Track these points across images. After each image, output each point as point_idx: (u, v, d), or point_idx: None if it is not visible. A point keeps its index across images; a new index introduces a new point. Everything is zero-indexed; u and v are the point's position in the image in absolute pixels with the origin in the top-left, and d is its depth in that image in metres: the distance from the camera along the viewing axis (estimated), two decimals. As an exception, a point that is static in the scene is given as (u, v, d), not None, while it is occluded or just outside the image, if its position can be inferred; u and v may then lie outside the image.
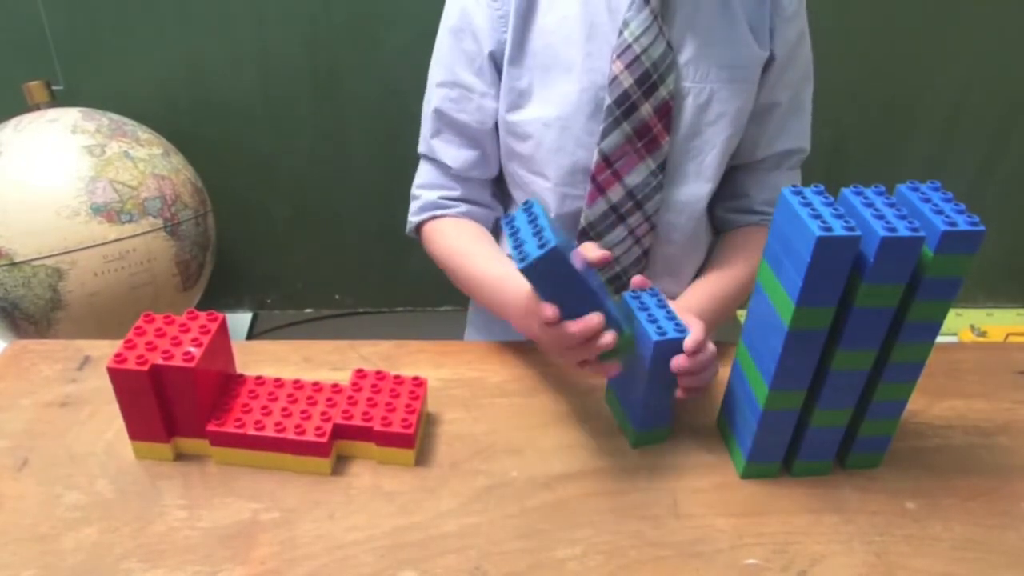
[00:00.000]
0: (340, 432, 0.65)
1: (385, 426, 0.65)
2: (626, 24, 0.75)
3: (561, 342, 0.61)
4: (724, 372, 0.72)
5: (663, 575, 0.58)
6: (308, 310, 1.95)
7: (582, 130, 0.79)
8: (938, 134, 1.80)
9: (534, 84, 0.79)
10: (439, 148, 0.85)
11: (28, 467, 0.65)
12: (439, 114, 0.84)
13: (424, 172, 0.89)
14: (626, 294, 0.68)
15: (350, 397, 0.67)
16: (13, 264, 1.29)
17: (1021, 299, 2.09)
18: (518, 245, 0.57)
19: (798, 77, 0.84)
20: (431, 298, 1.91)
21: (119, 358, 0.61)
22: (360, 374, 0.70)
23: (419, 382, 0.69)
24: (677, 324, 0.65)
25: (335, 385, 0.69)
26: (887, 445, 0.68)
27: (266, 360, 0.78)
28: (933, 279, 0.57)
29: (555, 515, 0.62)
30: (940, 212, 0.56)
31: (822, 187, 0.58)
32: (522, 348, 0.81)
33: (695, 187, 0.83)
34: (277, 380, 0.69)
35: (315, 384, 0.69)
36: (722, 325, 0.85)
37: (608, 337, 0.59)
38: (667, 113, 0.77)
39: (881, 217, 0.55)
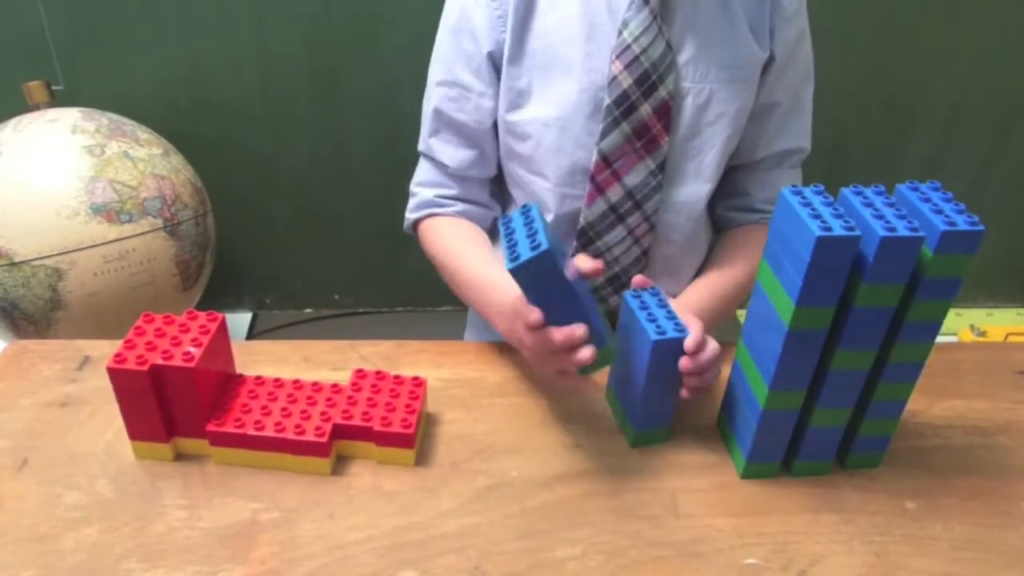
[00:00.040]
0: (340, 432, 0.65)
1: (385, 426, 0.65)
2: (625, 24, 0.75)
3: (543, 347, 0.62)
4: (724, 372, 0.72)
5: (663, 575, 0.58)
6: (308, 310, 1.95)
7: (581, 130, 0.79)
8: (938, 134, 1.80)
9: (533, 84, 0.79)
10: (437, 147, 0.85)
11: (28, 467, 0.65)
12: (438, 113, 0.84)
13: (422, 170, 0.89)
14: (627, 293, 0.68)
15: (350, 397, 0.67)
16: (13, 264, 1.29)
17: (1021, 299, 2.09)
18: (511, 245, 0.58)
19: (798, 77, 0.84)
20: (431, 298, 1.91)
21: (119, 358, 0.61)
22: (360, 374, 0.70)
23: (419, 382, 0.69)
24: (677, 324, 0.65)
25: (335, 385, 0.69)
26: (887, 445, 0.68)
27: (266, 360, 0.78)
28: (933, 279, 0.57)
29: (555, 515, 0.62)
30: (940, 212, 0.56)
31: (822, 187, 0.58)
32: (522, 348, 0.81)
33: (694, 187, 0.83)
34: (277, 380, 0.69)
35: (315, 384, 0.69)
36: (723, 324, 0.85)
37: (587, 352, 0.59)
38: (666, 113, 0.77)
39: (881, 217, 0.55)
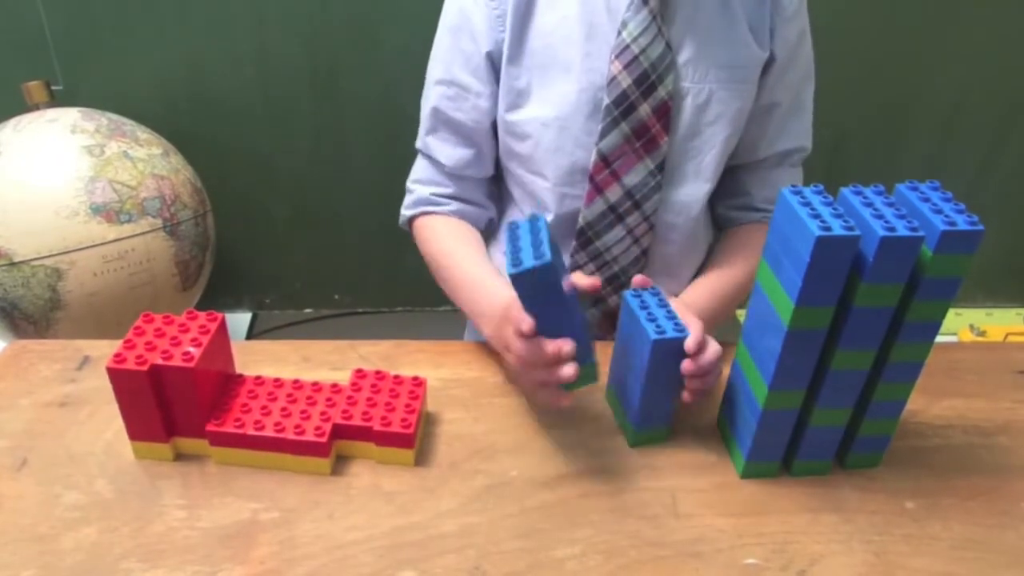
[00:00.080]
0: (339, 432, 0.65)
1: (384, 426, 0.65)
2: (624, 24, 0.75)
3: (531, 356, 0.62)
4: (724, 372, 0.72)
5: (662, 575, 0.58)
6: (307, 310, 1.95)
7: (581, 130, 0.79)
8: (938, 134, 1.80)
9: (533, 84, 0.79)
10: (434, 146, 0.86)
11: (27, 467, 0.65)
12: (436, 112, 0.84)
13: (419, 167, 0.89)
14: (627, 292, 0.68)
15: (349, 397, 0.67)
16: (12, 264, 1.29)
17: (1020, 299, 2.09)
18: (515, 251, 0.58)
19: (799, 77, 0.84)
20: (430, 298, 1.91)
21: (118, 358, 0.61)
22: (359, 374, 0.70)
23: (419, 382, 0.69)
24: (677, 324, 0.65)
25: (334, 385, 0.69)
26: (886, 445, 0.68)
27: (265, 360, 0.78)
28: (932, 279, 0.57)
29: (554, 515, 0.62)
30: (939, 212, 0.56)
31: (821, 187, 0.58)
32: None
33: (694, 187, 0.83)
34: (276, 380, 0.69)
35: (314, 384, 0.69)
36: (723, 323, 0.85)
37: (570, 369, 0.60)
38: (666, 113, 0.77)
39: (880, 217, 0.55)
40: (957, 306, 2.02)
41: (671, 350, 0.64)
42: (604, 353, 0.74)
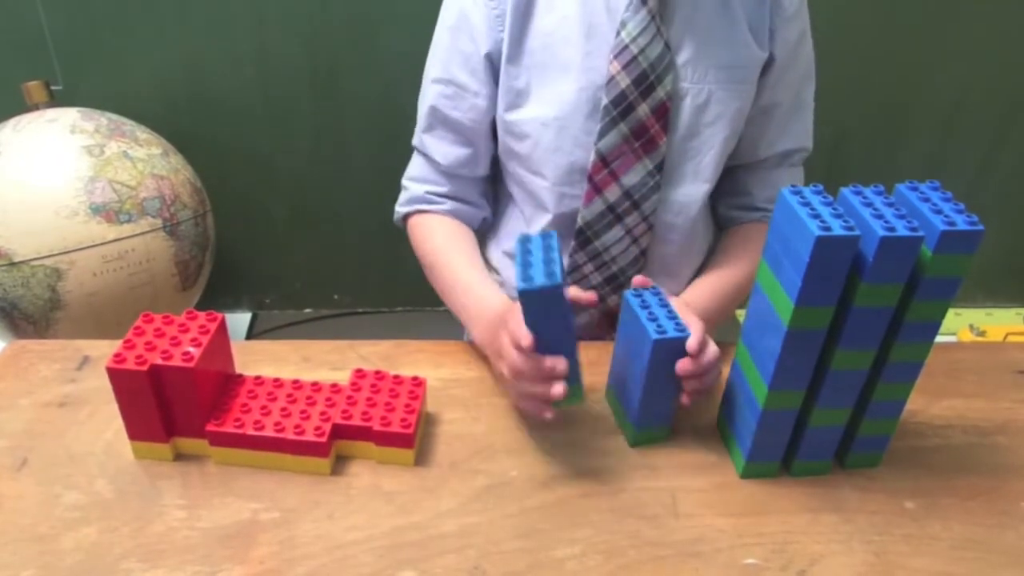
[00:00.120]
0: (339, 432, 0.65)
1: (384, 426, 0.65)
2: (623, 24, 0.75)
3: (524, 370, 0.62)
4: (724, 372, 0.72)
5: (662, 575, 0.58)
6: (307, 310, 1.95)
7: (580, 130, 0.79)
8: (938, 133, 1.80)
9: (532, 84, 0.79)
10: (430, 144, 0.86)
11: (27, 467, 0.65)
12: (433, 110, 0.84)
13: (415, 165, 0.90)
14: (627, 292, 0.68)
15: (349, 397, 0.67)
16: (12, 264, 1.29)
17: (1020, 299, 2.09)
18: (526, 266, 0.59)
19: (799, 77, 0.84)
20: (430, 298, 1.89)
21: (118, 358, 0.61)
22: (359, 374, 0.70)
23: (418, 382, 0.69)
24: (677, 323, 0.65)
25: (334, 385, 0.69)
26: (886, 445, 0.68)
27: (265, 360, 0.78)
28: (932, 279, 0.57)
29: (554, 515, 0.62)
30: (939, 211, 0.56)
31: (821, 187, 0.58)
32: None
33: (693, 188, 0.83)
34: (276, 380, 0.69)
35: (314, 384, 0.69)
36: (723, 323, 0.85)
37: (559, 388, 0.61)
38: (665, 113, 0.77)
39: (880, 217, 0.55)
40: (957, 306, 2.02)
41: (672, 350, 0.64)
42: (604, 352, 0.74)
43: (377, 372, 0.70)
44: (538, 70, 0.79)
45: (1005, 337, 1.85)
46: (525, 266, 0.59)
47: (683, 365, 0.64)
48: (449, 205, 0.87)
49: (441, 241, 0.85)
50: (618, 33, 0.75)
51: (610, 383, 0.74)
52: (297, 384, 0.68)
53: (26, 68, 1.53)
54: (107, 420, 0.69)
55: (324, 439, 0.63)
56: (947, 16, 1.65)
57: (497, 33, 0.78)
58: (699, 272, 0.90)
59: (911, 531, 0.62)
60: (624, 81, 0.75)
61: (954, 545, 0.62)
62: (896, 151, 1.82)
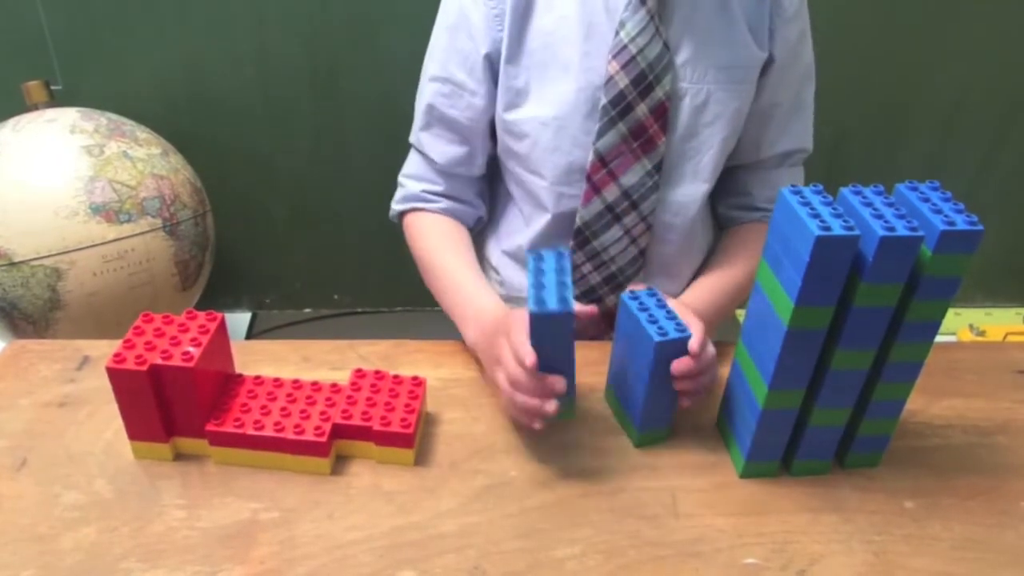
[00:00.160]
0: (339, 432, 0.65)
1: (384, 426, 0.65)
2: (622, 24, 0.75)
3: (525, 384, 0.62)
4: (723, 371, 0.72)
5: (662, 575, 0.58)
6: (307, 310, 1.95)
7: (579, 129, 0.79)
8: (938, 133, 1.80)
9: (531, 83, 0.79)
10: (427, 142, 0.86)
11: (27, 467, 0.65)
12: (430, 108, 0.84)
13: (411, 162, 0.90)
14: (624, 295, 0.68)
15: (349, 397, 0.67)
16: (12, 264, 1.29)
17: (1020, 299, 2.08)
18: (539, 287, 0.60)
19: (800, 77, 0.84)
20: (430, 298, 1.89)
21: (118, 358, 0.61)
22: (359, 374, 0.70)
23: (418, 382, 0.69)
24: (678, 324, 0.65)
25: (334, 385, 0.69)
26: (886, 444, 0.68)
27: (265, 360, 0.78)
28: (932, 278, 0.57)
29: (554, 515, 0.62)
30: (939, 211, 0.56)
31: (821, 186, 0.58)
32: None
33: (692, 188, 0.83)
34: (276, 380, 0.69)
35: (314, 384, 0.69)
36: (724, 323, 0.85)
37: (552, 406, 0.61)
38: (663, 114, 0.77)
39: (880, 216, 0.55)
40: (957, 306, 2.02)
41: (674, 351, 0.64)
42: (604, 352, 0.74)
43: (377, 372, 0.70)
44: (537, 70, 0.79)
45: (1005, 337, 1.85)
46: (538, 287, 0.60)
47: (680, 365, 0.64)
48: (444, 204, 0.87)
49: (436, 241, 0.85)
50: (617, 33, 0.75)
51: (609, 384, 0.74)
52: (297, 384, 0.68)
53: (26, 68, 1.53)
54: (107, 420, 0.69)
55: (324, 439, 0.63)
56: (947, 16, 1.65)
57: (496, 32, 0.78)
58: (699, 272, 0.90)
59: (911, 531, 0.62)
60: (623, 81, 0.75)
61: (954, 545, 0.62)
62: (896, 151, 1.82)
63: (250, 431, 0.64)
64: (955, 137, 1.81)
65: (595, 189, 0.80)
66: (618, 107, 0.76)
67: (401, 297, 1.92)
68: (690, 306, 0.77)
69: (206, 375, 0.63)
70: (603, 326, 0.90)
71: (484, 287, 0.79)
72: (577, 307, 0.66)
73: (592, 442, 0.70)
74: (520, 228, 0.89)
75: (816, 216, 0.55)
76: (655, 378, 0.65)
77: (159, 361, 0.61)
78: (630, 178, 0.80)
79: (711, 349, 0.66)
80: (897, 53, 1.68)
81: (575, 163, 0.80)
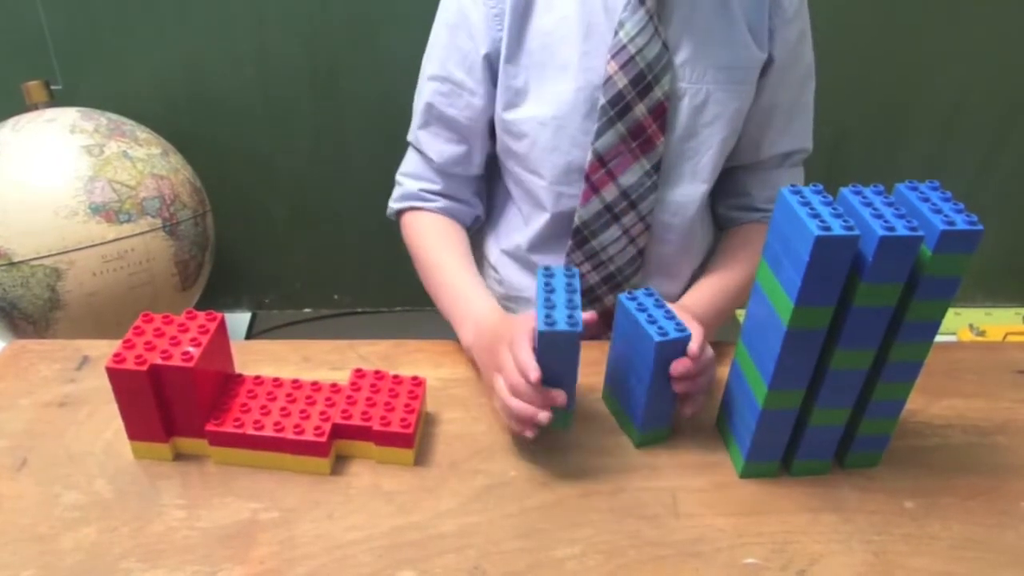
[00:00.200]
0: (339, 432, 0.65)
1: (384, 426, 0.65)
2: (621, 24, 0.75)
3: (527, 396, 0.62)
4: (723, 372, 0.72)
5: (662, 574, 0.58)
6: (307, 310, 1.95)
7: (577, 129, 0.79)
8: (937, 133, 1.80)
9: (530, 83, 0.79)
10: (425, 140, 0.86)
11: (27, 467, 0.65)
12: (429, 107, 0.84)
13: (409, 161, 0.90)
14: (621, 296, 0.68)
15: (349, 397, 0.67)
16: (11, 264, 1.29)
17: (1020, 299, 2.09)
18: (548, 305, 0.61)
19: (800, 78, 0.84)
20: (430, 298, 1.91)
21: (118, 358, 0.61)
22: (359, 374, 0.70)
23: (418, 382, 0.69)
24: (677, 324, 0.65)
25: (334, 385, 0.69)
26: (886, 444, 0.68)
27: (265, 360, 0.78)
28: (932, 278, 0.57)
29: (554, 515, 0.62)
30: (939, 211, 0.56)
31: (820, 186, 0.58)
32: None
33: (690, 188, 0.83)
34: (276, 380, 0.69)
35: (314, 384, 0.69)
36: (724, 324, 0.85)
37: (545, 416, 0.62)
38: (662, 114, 0.77)
39: (880, 216, 0.55)
40: (956, 306, 2.02)
41: (674, 351, 0.64)
42: (603, 352, 0.74)
43: (377, 372, 0.70)
44: (536, 69, 0.79)
45: (1005, 337, 1.85)
46: (548, 306, 0.61)
47: (679, 367, 0.64)
48: (442, 203, 0.87)
49: (433, 240, 0.85)
50: (616, 33, 0.75)
51: (608, 384, 0.74)
52: (297, 384, 0.68)
53: (26, 68, 1.53)
54: (107, 420, 0.69)
55: (324, 439, 0.63)
56: (947, 17, 1.65)
57: (496, 32, 0.78)
58: (698, 273, 0.90)
59: (910, 531, 0.62)
60: (621, 81, 0.75)
61: (954, 545, 0.62)
62: (896, 152, 1.82)
63: (250, 431, 0.64)
64: (955, 138, 1.81)
65: (593, 189, 0.80)
66: (617, 107, 0.76)
67: (401, 297, 1.93)
68: (690, 308, 0.77)
69: (206, 375, 0.63)
70: (602, 326, 0.90)
71: (481, 289, 0.79)
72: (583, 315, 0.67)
73: (592, 442, 0.70)
74: (519, 227, 0.89)
75: (816, 216, 0.55)
76: (656, 378, 0.65)
77: (159, 361, 0.61)
78: (629, 178, 0.80)
79: (709, 351, 0.67)
80: (897, 54, 1.69)
81: (574, 163, 0.80)
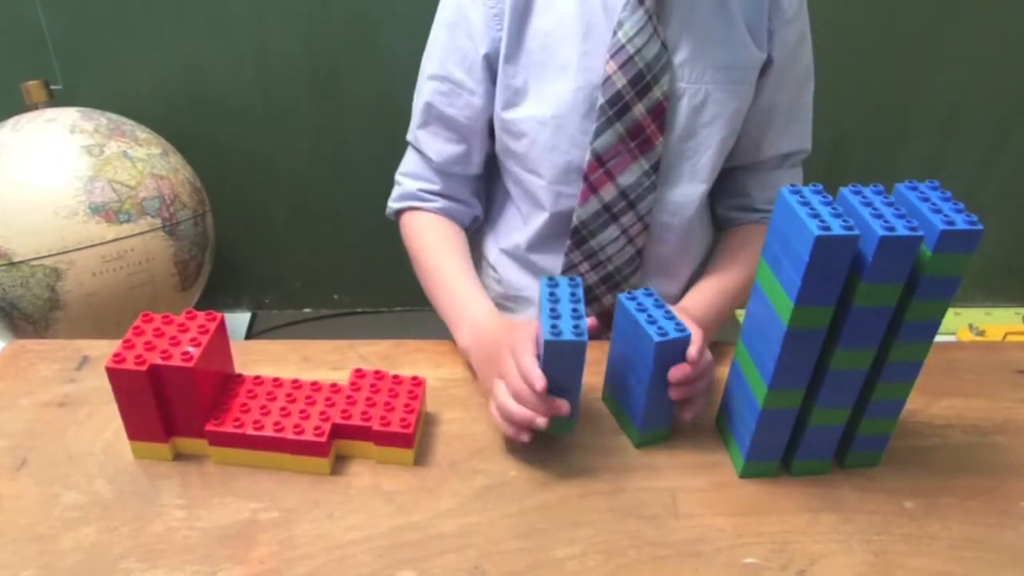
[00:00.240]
0: (339, 432, 0.65)
1: (384, 426, 0.65)
2: (620, 24, 0.75)
3: (531, 404, 0.62)
4: (723, 372, 0.72)
5: (662, 575, 0.58)
6: (306, 310, 1.95)
7: (576, 129, 0.79)
8: (937, 134, 1.80)
9: (529, 83, 0.79)
10: (424, 140, 0.86)
11: (27, 467, 0.65)
12: (428, 107, 0.84)
13: (409, 161, 0.90)
14: (621, 296, 0.68)
15: (349, 397, 0.67)
16: (11, 264, 1.29)
17: (1019, 299, 2.09)
18: (554, 316, 0.62)
19: (799, 78, 0.84)
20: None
21: (117, 358, 0.61)
22: (359, 374, 0.70)
23: (418, 382, 0.69)
24: (677, 324, 0.65)
25: (334, 385, 0.69)
26: (885, 444, 0.68)
27: (264, 360, 0.78)
28: (931, 278, 0.57)
29: (554, 515, 0.62)
30: (938, 211, 0.56)
31: (820, 186, 0.58)
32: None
33: (689, 188, 0.83)
34: (276, 380, 0.69)
35: (314, 384, 0.69)
36: (724, 325, 0.85)
37: (543, 422, 0.62)
38: (661, 114, 0.77)
39: (880, 216, 0.55)
40: (956, 306, 2.02)
41: (674, 350, 0.64)
42: (601, 352, 0.74)
43: (376, 372, 0.70)
44: (536, 69, 0.79)
45: (1004, 337, 1.86)
46: (553, 316, 0.62)
47: (677, 372, 0.64)
48: (441, 203, 0.87)
49: (432, 241, 0.85)
50: (615, 33, 0.75)
51: (607, 384, 0.74)
52: (296, 384, 0.68)
53: (25, 68, 1.53)
54: (106, 420, 0.69)
55: (323, 439, 0.63)
56: (947, 18, 1.65)
57: (495, 32, 0.78)
58: (697, 273, 0.90)
59: (910, 531, 0.62)
60: (620, 81, 0.75)
61: (953, 545, 0.62)
62: (896, 152, 1.82)
63: (250, 431, 0.64)
64: (955, 138, 1.81)
65: (592, 189, 0.80)
66: (615, 107, 0.76)
67: (401, 297, 1.93)
68: (689, 310, 0.77)
69: (206, 375, 0.63)
70: (601, 326, 0.90)
71: (479, 292, 0.79)
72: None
73: (592, 442, 0.70)
74: (518, 227, 0.89)
75: (816, 216, 0.55)
76: (655, 378, 0.65)
77: (159, 361, 0.61)
78: (627, 178, 0.80)
79: (708, 355, 0.67)
80: (897, 55, 1.69)
81: (573, 162, 0.80)
